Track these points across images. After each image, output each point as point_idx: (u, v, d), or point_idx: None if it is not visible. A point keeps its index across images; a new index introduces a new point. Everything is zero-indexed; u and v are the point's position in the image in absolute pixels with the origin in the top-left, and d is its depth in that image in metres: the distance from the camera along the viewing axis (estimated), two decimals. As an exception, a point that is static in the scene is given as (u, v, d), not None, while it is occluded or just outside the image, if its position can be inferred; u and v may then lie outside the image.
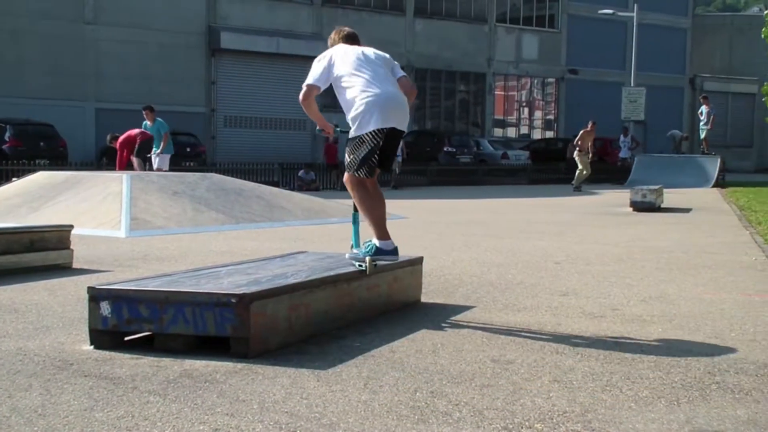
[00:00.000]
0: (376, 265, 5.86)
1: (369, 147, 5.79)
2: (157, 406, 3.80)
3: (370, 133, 5.75)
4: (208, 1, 32.86)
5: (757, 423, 3.70)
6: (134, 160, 19.10)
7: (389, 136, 5.83)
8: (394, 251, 5.95)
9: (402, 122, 5.93)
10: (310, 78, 5.89)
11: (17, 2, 29.25)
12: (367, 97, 5.77)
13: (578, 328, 5.62)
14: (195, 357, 4.64)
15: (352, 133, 5.86)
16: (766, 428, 3.64)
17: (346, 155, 5.95)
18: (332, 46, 6.21)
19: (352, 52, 6.04)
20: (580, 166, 24.12)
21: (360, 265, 5.85)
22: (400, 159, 28.98)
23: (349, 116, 5.84)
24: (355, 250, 6.01)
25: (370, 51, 6.14)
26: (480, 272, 8.22)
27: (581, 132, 24.44)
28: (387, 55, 6.25)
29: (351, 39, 6.30)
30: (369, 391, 4.08)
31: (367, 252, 5.87)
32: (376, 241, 5.89)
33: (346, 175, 6.05)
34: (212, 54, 33.00)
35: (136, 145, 19.11)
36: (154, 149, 18.97)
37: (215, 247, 10.36)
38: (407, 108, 6.00)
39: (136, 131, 19.34)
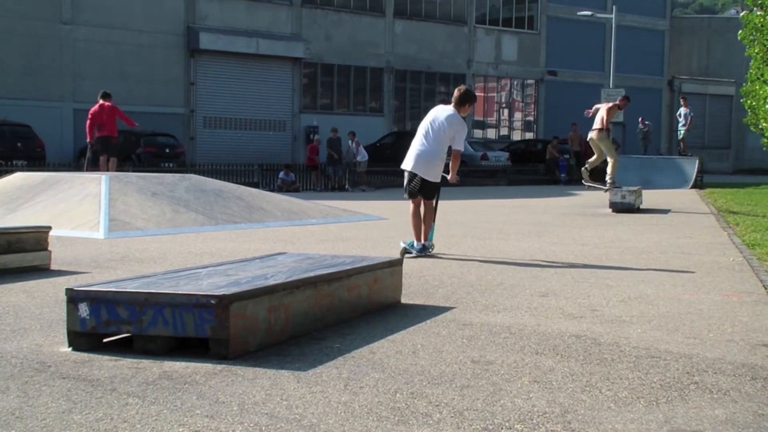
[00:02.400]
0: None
1: (406, 180, 9.53)
2: (136, 408, 3.78)
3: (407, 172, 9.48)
4: (187, 1, 32.72)
5: (735, 423, 3.72)
6: (112, 161, 18.97)
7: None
8: (422, 249, 9.49)
9: (419, 169, 9.39)
10: None
11: (-7, 2, 29.03)
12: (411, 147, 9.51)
13: (558, 328, 5.64)
14: (174, 358, 4.62)
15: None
16: (744, 428, 3.66)
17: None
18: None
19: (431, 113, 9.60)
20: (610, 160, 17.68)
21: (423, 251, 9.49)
22: (365, 159, 28.99)
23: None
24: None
25: (442, 116, 9.42)
26: (460, 273, 8.23)
27: (609, 105, 17.47)
28: (451, 124, 9.36)
29: (455, 101, 9.47)
30: (349, 392, 4.08)
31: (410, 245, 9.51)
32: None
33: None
34: (191, 54, 32.85)
35: (94, 134, 18.73)
36: None
37: (194, 248, 10.32)
38: (429, 159, 9.38)
39: (100, 117, 18.75)
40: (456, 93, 9.47)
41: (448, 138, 9.35)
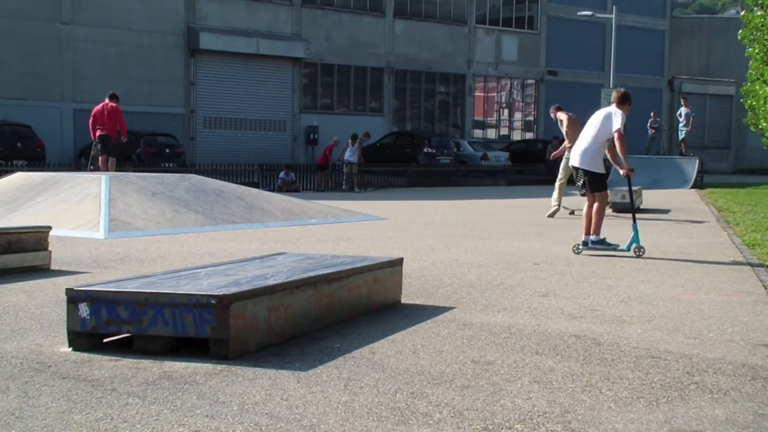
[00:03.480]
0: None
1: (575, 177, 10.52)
2: (136, 408, 3.78)
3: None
4: (187, 1, 32.71)
5: (735, 422, 3.72)
6: (111, 161, 18.97)
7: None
8: (599, 242, 9.91)
9: (577, 162, 10.01)
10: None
11: (-6, 2, 29.01)
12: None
13: (558, 328, 5.64)
14: (174, 358, 4.62)
15: None
16: (744, 428, 3.67)
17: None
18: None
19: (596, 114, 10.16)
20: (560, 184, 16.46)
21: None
22: (354, 159, 28.77)
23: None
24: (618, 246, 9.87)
25: (601, 113, 10.10)
26: (460, 273, 8.23)
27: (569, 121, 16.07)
28: (606, 116, 9.93)
29: (616, 101, 10.07)
30: (349, 392, 4.08)
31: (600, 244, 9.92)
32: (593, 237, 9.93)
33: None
34: (191, 54, 32.84)
35: (96, 132, 18.71)
36: None
37: (194, 248, 10.32)
38: (585, 152, 9.93)
39: (102, 116, 18.69)
40: (615, 94, 10.20)
41: (605, 130, 9.81)
